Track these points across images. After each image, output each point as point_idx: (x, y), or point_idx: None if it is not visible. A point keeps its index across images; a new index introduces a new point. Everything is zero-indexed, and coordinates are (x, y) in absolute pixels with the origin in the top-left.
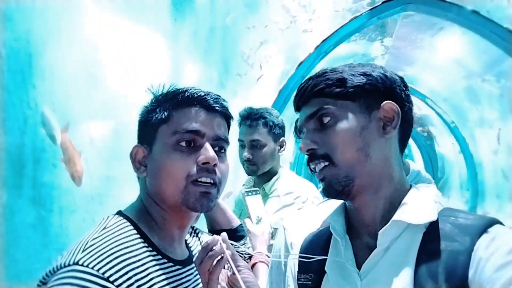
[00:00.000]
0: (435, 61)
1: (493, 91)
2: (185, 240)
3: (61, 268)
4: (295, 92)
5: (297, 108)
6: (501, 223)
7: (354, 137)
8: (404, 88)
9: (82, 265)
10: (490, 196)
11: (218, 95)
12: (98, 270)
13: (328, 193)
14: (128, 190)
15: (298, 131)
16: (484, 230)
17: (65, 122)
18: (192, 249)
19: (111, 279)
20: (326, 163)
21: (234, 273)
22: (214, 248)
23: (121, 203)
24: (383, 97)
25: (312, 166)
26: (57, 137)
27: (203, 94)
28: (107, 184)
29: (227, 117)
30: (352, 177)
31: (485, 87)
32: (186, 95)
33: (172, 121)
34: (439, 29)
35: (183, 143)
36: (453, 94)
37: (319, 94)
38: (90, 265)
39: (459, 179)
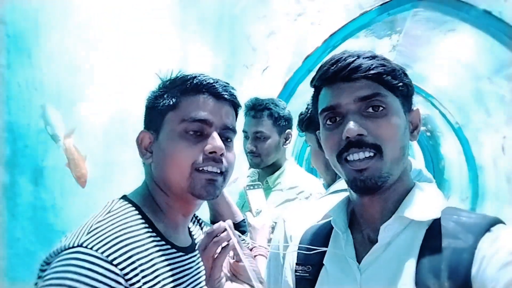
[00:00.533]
0: (443, 60)
1: (501, 95)
2: (188, 228)
3: (65, 249)
4: (326, 61)
5: (329, 81)
6: (503, 223)
7: (401, 134)
8: None
9: (86, 247)
10: (490, 199)
11: (226, 83)
12: (102, 253)
13: (364, 184)
14: (131, 175)
15: (327, 109)
16: (487, 228)
17: (70, 118)
18: (194, 237)
19: (114, 262)
20: (372, 154)
21: (237, 260)
22: (219, 234)
23: (124, 188)
24: (410, 102)
25: (352, 153)
26: (60, 136)
27: (212, 81)
28: (110, 168)
29: (235, 106)
30: (390, 174)
31: (493, 89)
32: (195, 82)
33: (180, 108)
34: (449, 28)
35: (191, 132)
36: (460, 95)
37: (371, 77)
38: (94, 248)
39: (460, 181)
